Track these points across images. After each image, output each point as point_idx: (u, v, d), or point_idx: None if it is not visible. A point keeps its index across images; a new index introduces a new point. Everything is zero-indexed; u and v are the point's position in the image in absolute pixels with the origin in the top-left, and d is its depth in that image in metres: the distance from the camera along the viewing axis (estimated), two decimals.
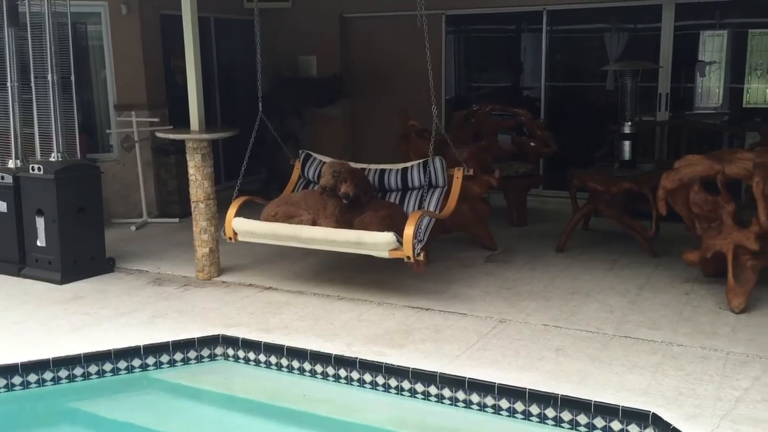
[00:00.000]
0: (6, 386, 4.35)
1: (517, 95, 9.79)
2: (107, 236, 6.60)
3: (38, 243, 6.15)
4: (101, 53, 8.27)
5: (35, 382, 4.43)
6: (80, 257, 6.16)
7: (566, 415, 3.86)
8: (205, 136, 6.00)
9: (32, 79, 6.25)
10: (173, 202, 8.47)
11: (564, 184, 7.28)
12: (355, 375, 4.43)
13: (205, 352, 4.81)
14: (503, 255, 6.68)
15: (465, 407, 4.11)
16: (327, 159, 6.11)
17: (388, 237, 4.98)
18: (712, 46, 9.11)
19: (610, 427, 3.76)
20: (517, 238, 7.25)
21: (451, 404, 4.15)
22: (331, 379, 4.50)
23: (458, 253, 6.75)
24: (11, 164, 6.42)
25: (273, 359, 4.69)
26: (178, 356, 4.75)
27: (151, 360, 4.68)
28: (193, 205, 6.10)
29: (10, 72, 6.42)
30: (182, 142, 6.20)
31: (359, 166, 5.98)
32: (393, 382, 4.32)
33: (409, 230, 4.94)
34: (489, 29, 10.14)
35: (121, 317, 5.23)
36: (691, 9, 8.47)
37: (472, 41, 10.28)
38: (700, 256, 5.37)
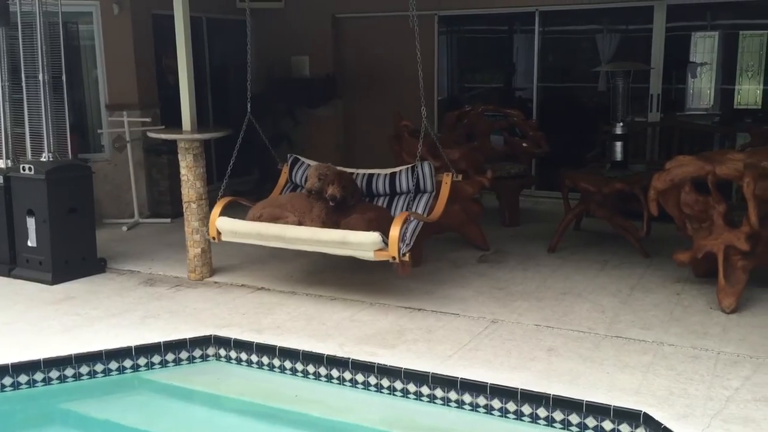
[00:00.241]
0: None
1: (509, 96, 9.81)
2: (99, 237, 6.57)
3: (29, 243, 6.12)
4: (93, 53, 8.25)
5: (26, 383, 4.41)
6: (71, 258, 6.14)
7: (558, 415, 3.87)
8: (197, 136, 5.99)
9: (23, 79, 6.22)
10: (165, 203, 8.45)
11: (556, 184, 7.29)
12: (347, 375, 4.43)
13: (197, 352, 4.80)
14: (495, 255, 6.69)
15: (457, 407, 4.12)
16: (315, 163, 6.08)
17: (373, 237, 4.93)
18: (704, 47, 9.15)
19: (601, 427, 3.77)
20: (509, 238, 7.26)
21: (443, 404, 4.15)
22: (323, 379, 4.49)
23: (451, 253, 6.75)
24: (2, 164, 6.39)
25: (265, 359, 4.68)
26: (170, 357, 4.73)
27: (142, 360, 4.67)
28: (184, 206, 6.09)
29: (1, 71, 6.39)
30: (174, 142, 6.19)
31: (348, 170, 5.94)
32: (385, 383, 4.32)
33: (394, 230, 4.88)
34: (482, 30, 10.16)
35: (112, 318, 5.21)
36: (682, 10, 8.51)
37: (465, 42, 10.29)
38: (691, 256, 5.39)
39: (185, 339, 4.78)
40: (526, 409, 3.95)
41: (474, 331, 4.86)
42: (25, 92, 6.25)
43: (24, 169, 6.06)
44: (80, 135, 8.16)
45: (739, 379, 4.06)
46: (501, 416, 4.00)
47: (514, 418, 3.97)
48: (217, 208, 5.57)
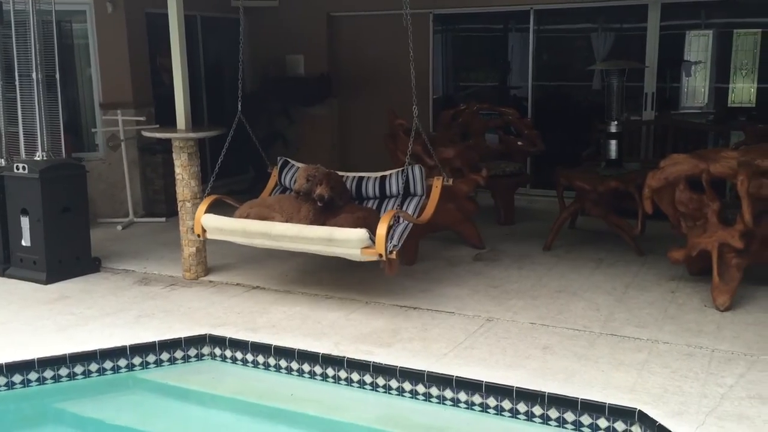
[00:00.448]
0: None
1: (504, 94, 9.82)
2: (93, 236, 6.56)
3: (23, 243, 6.10)
4: (87, 52, 8.23)
5: (20, 383, 4.40)
6: (66, 257, 6.12)
7: (553, 413, 3.88)
8: (191, 135, 5.98)
9: (17, 78, 6.19)
10: (160, 202, 8.44)
11: (551, 183, 7.30)
12: (342, 374, 4.42)
13: (192, 351, 4.79)
14: (491, 254, 6.69)
15: (453, 405, 4.12)
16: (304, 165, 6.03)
17: (360, 233, 4.86)
18: (698, 45, 9.17)
19: (596, 425, 3.78)
20: (504, 236, 7.26)
21: (438, 403, 4.15)
22: (318, 378, 4.49)
23: (446, 252, 6.75)
24: None
25: (260, 358, 4.67)
26: (165, 356, 4.72)
27: (137, 360, 4.66)
28: (179, 205, 6.07)
29: None
30: (169, 141, 6.18)
31: (338, 173, 5.89)
32: (381, 381, 4.32)
33: (382, 228, 4.81)
34: (477, 28, 10.16)
35: (106, 317, 5.20)
36: (676, 9, 8.52)
37: (460, 40, 10.30)
38: (686, 254, 5.41)
39: (180, 338, 4.78)
40: (522, 407, 3.95)
41: (469, 330, 4.86)
42: (18, 91, 6.22)
43: (18, 168, 6.04)
44: (74, 134, 8.13)
45: (734, 376, 4.07)
46: (496, 414, 4.01)
47: (509, 416, 3.98)
48: (202, 206, 5.53)
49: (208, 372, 4.71)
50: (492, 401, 4.02)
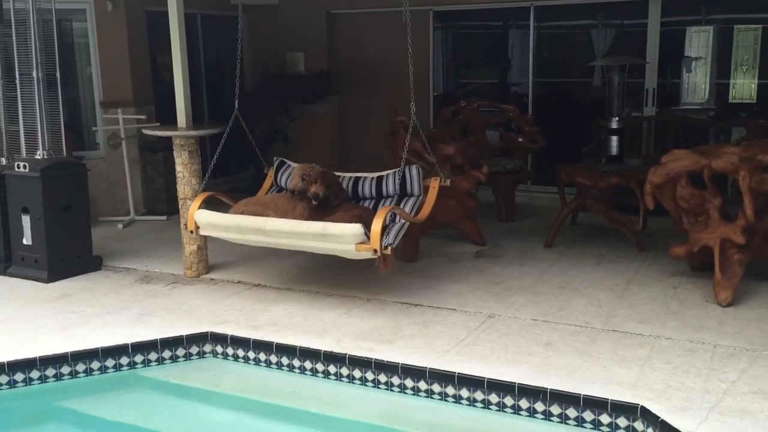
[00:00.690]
0: None
1: (505, 91, 9.81)
2: (94, 234, 6.56)
3: (24, 241, 6.10)
4: (87, 50, 8.22)
5: (22, 381, 4.40)
6: (67, 255, 6.12)
7: (555, 409, 3.88)
8: (192, 132, 5.98)
9: (17, 77, 6.18)
10: (160, 200, 8.44)
11: (552, 179, 7.29)
12: (344, 371, 4.42)
13: (194, 349, 4.80)
14: (492, 250, 6.69)
15: (455, 402, 4.12)
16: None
17: (355, 228, 4.80)
18: (699, 41, 9.16)
19: (599, 420, 3.78)
20: (505, 233, 7.26)
21: (440, 399, 4.15)
22: (320, 375, 4.49)
23: (447, 248, 6.75)
24: None
25: (262, 356, 4.67)
26: (167, 354, 4.72)
27: (139, 358, 4.66)
28: (180, 203, 6.07)
29: None
30: (169, 139, 6.17)
31: (335, 173, 5.86)
32: (383, 378, 4.32)
33: (377, 224, 4.76)
34: (477, 25, 10.15)
35: (108, 315, 5.20)
36: (677, 5, 8.51)
37: (461, 37, 10.29)
38: (687, 250, 5.40)
39: (182, 336, 4.78)
40: (524, 403, 3.95)
41: (471, 326, 4.86)
42: (19, 90, 6.22)
43: (19, 167, 6.04)
44: (75, 133, 8.13)
45: (736, 372, 4.07)
46: (498, 411, 4.00)
47: (511, 413, 3.98)
48: (196, 202, 5.51)
49: (210, 370, 4.71)
50: (494, 398, 4.02)
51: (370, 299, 5.44)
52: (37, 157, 6.14)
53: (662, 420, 3.54)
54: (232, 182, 9.19)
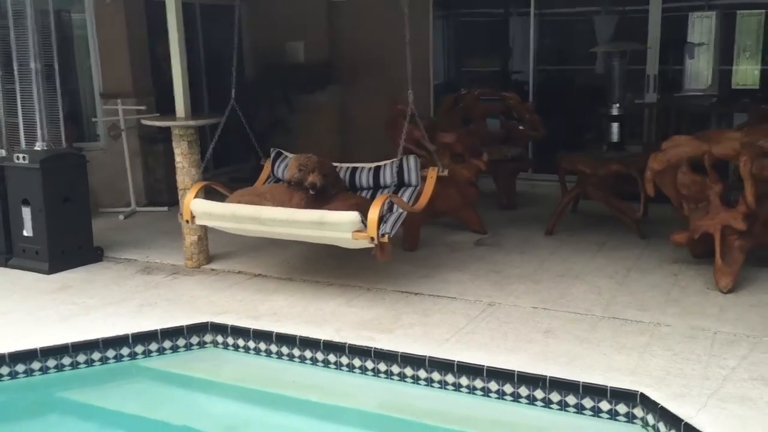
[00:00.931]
0: None
1: (506, 79, 9.77)
2: (95, 225, 6.56)
3: (25, 233, 6.11)
4: (86, 41, 8.20)
5: (23, 372, 4.41)
6: (68, 247, 6.12)
7: (555, 396, 3.88)
8: (191, 122, 5.97)
9: (15, 69, 6.17)
10: (161, 191, 8.43)
11: (553, 167, 7.27)
12: (344, 360, 4.43)
13: (194, 339, 4.80)
14: (492, 239, 6.68)
15: (454, 390, 4.12)
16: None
17: (352, 216, 4.78)
18: (701, 27, 9.10)
19: (598, 407, 3.78)
20: (506, 221, 7.25)
21: (440, 388, 4.16)
22: (320, 364, 4.50)
23: (447, 237, 6.74)
24: None
25: (262, 346, 4.68)
26: (167, 344, 4.73)
27: (139, 348, 4.67)
28: (180, 193, 6.06)
29: None
30: (169, 130, 6.15)
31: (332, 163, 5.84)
32: (382, 367, 4.32)
33: (373, 212, 4.75)
34: (477, 13, 10.09)
35: (109, 306, 5.20)
36: None
37: (461, 26, 10.23)
38: (688, 237, 5.38)
39: (182, 326, 4.78)
40: (523, 390, 3.95)
41: (471, 315, 4.85)
42: (17, 81, 6.21)
43: (18, 159, 6.04)
44: (76, 124, 8.13)
45: (736, 358, 4.06)
46: (498, 398, 4.00)
47: (511, 400, 3.98)
48: (192, 192, 5.50)
49: (210, 360, 4.72)
50: (494, 385, 4.02)
51: (371, 288, 5.44)
52: (37, 148, 6.14)
53: (661, 407, 3.53)
54: (232, 172, 9.19)
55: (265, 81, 9.66)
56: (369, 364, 4.35)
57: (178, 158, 6.03)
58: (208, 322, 4.84)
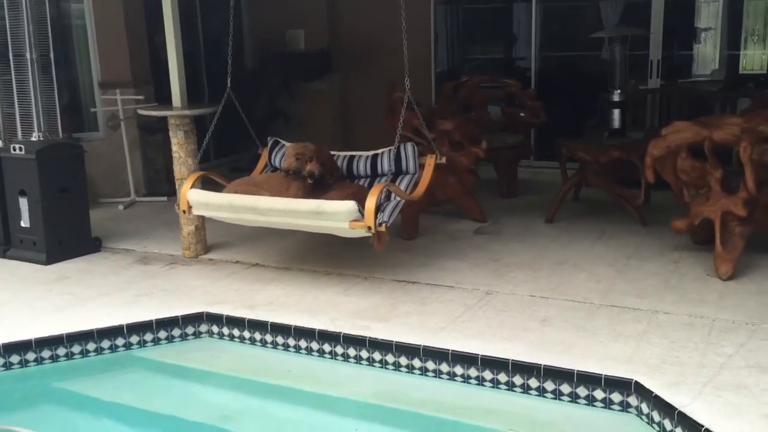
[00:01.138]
0: None
1: (509, 66, 9.69)
2: (95, 216, 6.55)
3: (22, 224, 6.10)
4: (84, 31, 8.16)
5: (18, 363, 4.41)
6: (65, 237, 6.11)
7: (549, 385, 3.84)
8: (186, 112, 5.93)
9: (11, 58, 6.15)
10: (161, 181, 8.40)
11: (556, 154, 7.20)
12: (339, 349, 4.40)
13: (190, 329, 4.78)
14: (492, 227, 6.63)
15: (449, 379, 4.09)
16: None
17: (349, 205, 4.75)
18: (708, 12, 9.00)
19: (593, 396, 3.74)
20: (506, 209, 7.19)
21: (435, 377, 4.13)
22: (315, 354, 4.47)
23: (447, 225, 6.70)
24: None
25: (257, 335, 4.66)
26: (162, 334, 4.71)
27: (134, 338, 4.65)
28: (177, 183, 6.04)
29: None
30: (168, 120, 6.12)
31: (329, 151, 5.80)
32: (377, 356, 4.29)
33: (371, 201, 4.71)
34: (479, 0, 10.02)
35: (105, 297, 5.19)
36: None
37: (463, 12, 10.14)
38: (688, 223, 5.32)
39: (177, 316, 4.76)
40: (518, 379, 3.92)
41: (468, 303, 4.82)
42: (13, 72, 6.18)
43: (14, 149, 6.02)
44: (74, 114, 8.11)
45: (734, 345, 4.01)
46: (493, 387, 3.97)
47: (505, 389, 3.95)
48: (188, 182, 5.47)
49: (206, 350, 4.70)
50: (488, 374, 3.99)
51: (368, 277, 5.40)
52: (33, 139, 6.12)
53: (655, 395, 3.49)
54: (233, 162, 9.15)
55: (266, 69, 9.60)
56: (364, 354, 4.33)
57: (174, 148, 6.00)
58: (203, 312, 4.82)
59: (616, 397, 3.69)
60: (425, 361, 4.15)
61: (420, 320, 4.57)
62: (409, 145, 5.49)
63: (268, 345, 4.62)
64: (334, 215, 4.85)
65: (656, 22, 8.31)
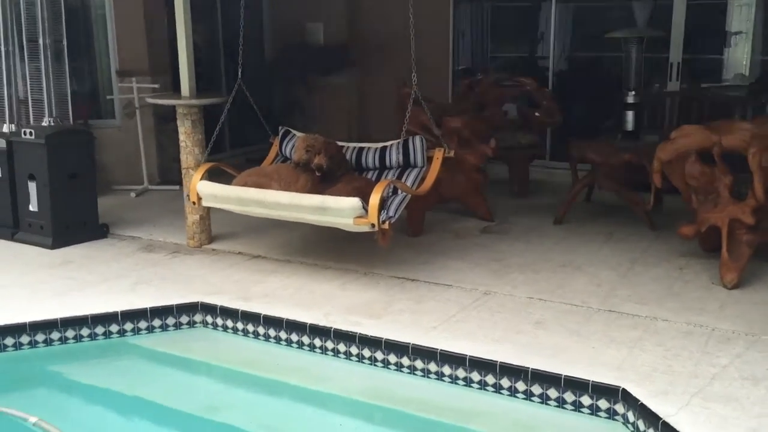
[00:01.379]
0: None
1: (526, 65, 9.57)
2: (107, 202, 6.62)
3: (30, 208, 6.17)
4: (103, 19, 8.22)
5: (12, 346, 4.45)
6: (72, 223, 6.16)
7: (536, 389, 3.78)
8: (193, 101, 5.94)
9: (24, 44, 6.21)
10: (174, 169, 8.39)
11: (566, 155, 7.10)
12: (329, 344, 4.38)
13: (184, 319, 4.80)
14: (499, 226, 6.56)
15: (437, 379, 4.05)
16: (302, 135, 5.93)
17: (353, 202, 4.76)
18: (740, 15, 8.79)
19: (580, 402, 3.67)
20: (516, 209, 7.11)
21: (423, 376, 4.09)
22: (306, 348, 4.46)
23: (454, 224, 6.64)
24: (5, 129, 6.41)
25: (250, 327, 4.65)
26: (157, 323, 4.73)
27: (128, 326, 4.68)
28: (183, 172, 6.06)
29: (8, 37, 6.37)
30: None
31: (338, 143, 5.78)
32: (366, 353, 4.26)
33: (374, 198, 4.70)
34: None
35: (104, 283, 5.22)
36: None
37: (482, 10, 10.04)
38: (695, 229, 5.21)
39: (172, 305, 4.78)
40: (505, 382, 3.86)
41: (464, 303, 4.76)
42: (26, 57, 6.25)
43: (25, 134, 6.08)
44: (92, 101, 8.17)
45: (729, 356, 3.91)
46: (480, 389, 3.92)
47: (492, 391, 3.89)
48: (198, 173, 5.49)
49: (199, 339, 4.71)
50: (476, 376, 3.94)
51: (367, 273, 5.37)
52: (44, 124, 6.18)
53: (641, 403, 3.42)
54: (248, 153, 9.16)
55: (284, 61, 9.60)
56: (353, 350, 4.30)
57: (181, 137, 6.03)
58: (198, 302, 4.83)
59: (603, 404, 3.62)
60: (414, 359, 4.12)
61: (413, 318, 4.52)
62: (417, 138, 5.46)
63: (261, 337, 4.61)
64: (338, 211, 4.85)
65: (677, 24, 8.13)
